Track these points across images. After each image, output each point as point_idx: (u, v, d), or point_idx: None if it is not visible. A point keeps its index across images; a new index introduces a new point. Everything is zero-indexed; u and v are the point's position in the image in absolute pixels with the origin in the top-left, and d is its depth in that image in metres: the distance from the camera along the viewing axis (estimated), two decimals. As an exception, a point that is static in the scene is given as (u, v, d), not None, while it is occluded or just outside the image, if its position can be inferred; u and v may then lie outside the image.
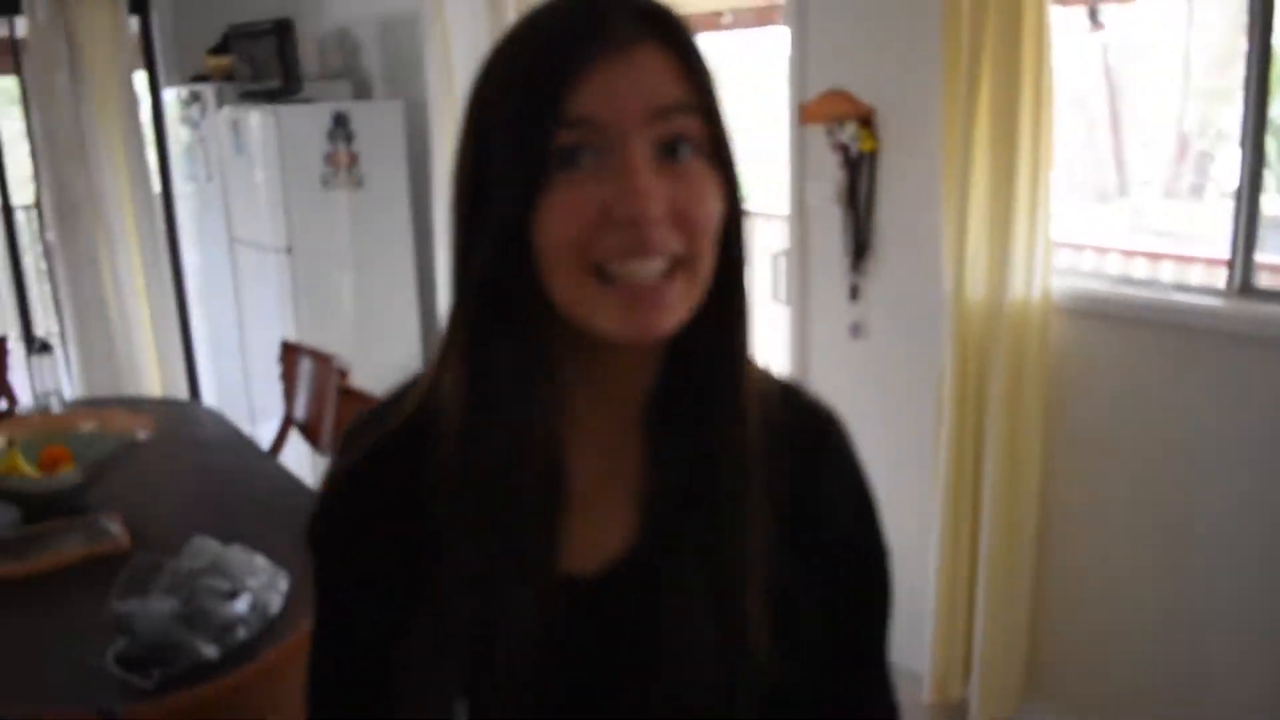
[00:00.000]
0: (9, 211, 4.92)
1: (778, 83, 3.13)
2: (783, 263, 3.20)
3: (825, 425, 0.91)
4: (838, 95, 2.86)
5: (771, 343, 5.29)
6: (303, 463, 3.22)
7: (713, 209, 0.74)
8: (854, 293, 2.96)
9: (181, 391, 5.21)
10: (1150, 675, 2.54)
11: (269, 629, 1.80)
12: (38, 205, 5.17)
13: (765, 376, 0.87)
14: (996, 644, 2.65)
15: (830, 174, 2.93)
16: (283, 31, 4.26)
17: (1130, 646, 2.57)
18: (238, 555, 1.89)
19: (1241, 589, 2.37)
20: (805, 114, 2.96)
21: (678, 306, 0.73)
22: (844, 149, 2.84)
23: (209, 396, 5.45)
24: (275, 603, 1.85)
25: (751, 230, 0.81)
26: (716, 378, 0.79)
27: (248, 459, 2.76)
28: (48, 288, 5.44)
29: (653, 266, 0.71)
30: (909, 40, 2.70)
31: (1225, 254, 2.37)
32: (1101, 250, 4.41)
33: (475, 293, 0.76)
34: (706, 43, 0.76)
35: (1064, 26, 4.59)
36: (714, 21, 5.38)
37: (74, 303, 4.88)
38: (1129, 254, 4.66)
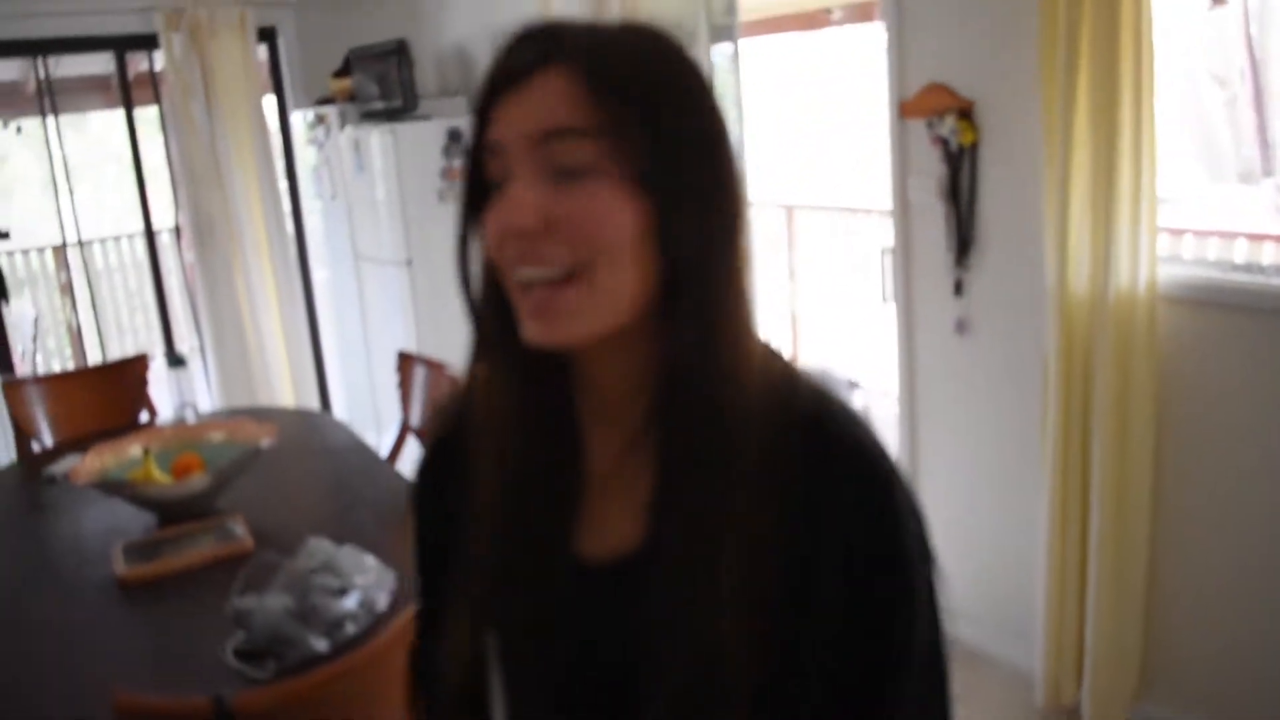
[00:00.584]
0: (152, 234, 5.21)
1: (879, 78, 3.11)
2: (888, 260, 3.18)
3: (832, 439, 0.80)
4: (937, 89, 2.83)
5: (880, 341, 5.28)
6: (420, 467, 3.34)
7: (607, 224, 0.75)
8: (958, 288, 2.92)
9: (313, 402, 5.44)
10: (1268, 675, 2.44)
11: (376, 624, 1.89)
12: (177, 227, 5.47)
13: (783, 378, 0.82)
14: (1109, 645, 2.58)
15: (931, 169, 2.90)
16: (400, 52, 4.42)
17: (1247, 645, 2.47)
18: (349, 555, 1.98)
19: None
20: (905, 109, 2.94)
21: (577, 314, 0.77)
22: (944, 143, 2.81)
23: (338, 406, 5.67)
24: (383, 600, 1.94)
25: (721, 239, 0.79)
26: (691, 388, 0.78)
27: (366, 465, 2.88)
28: (189, 306, 5.76)
29: (537, 274, 0.76)
30: (1006, 30, 2.66)
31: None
32: (1230, 235, 4.22)
33: (465, 298, 0.86)
34: (644, 61, 0.78)
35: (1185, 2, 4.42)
36: (823, 19, 5.37)
37: (212, 319, 5.14)
38: (1260, 238, 4.44)
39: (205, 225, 5.02)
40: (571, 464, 0.85)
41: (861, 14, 4.50)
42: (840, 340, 5.89)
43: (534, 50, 0.76)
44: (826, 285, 5.91)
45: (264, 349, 5.23)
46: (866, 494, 0.78)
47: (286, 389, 5.31)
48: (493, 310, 0.84)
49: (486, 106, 0.78)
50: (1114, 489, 2.49)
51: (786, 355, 0.85)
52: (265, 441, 2.60)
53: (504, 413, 0.85)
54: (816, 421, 0.79)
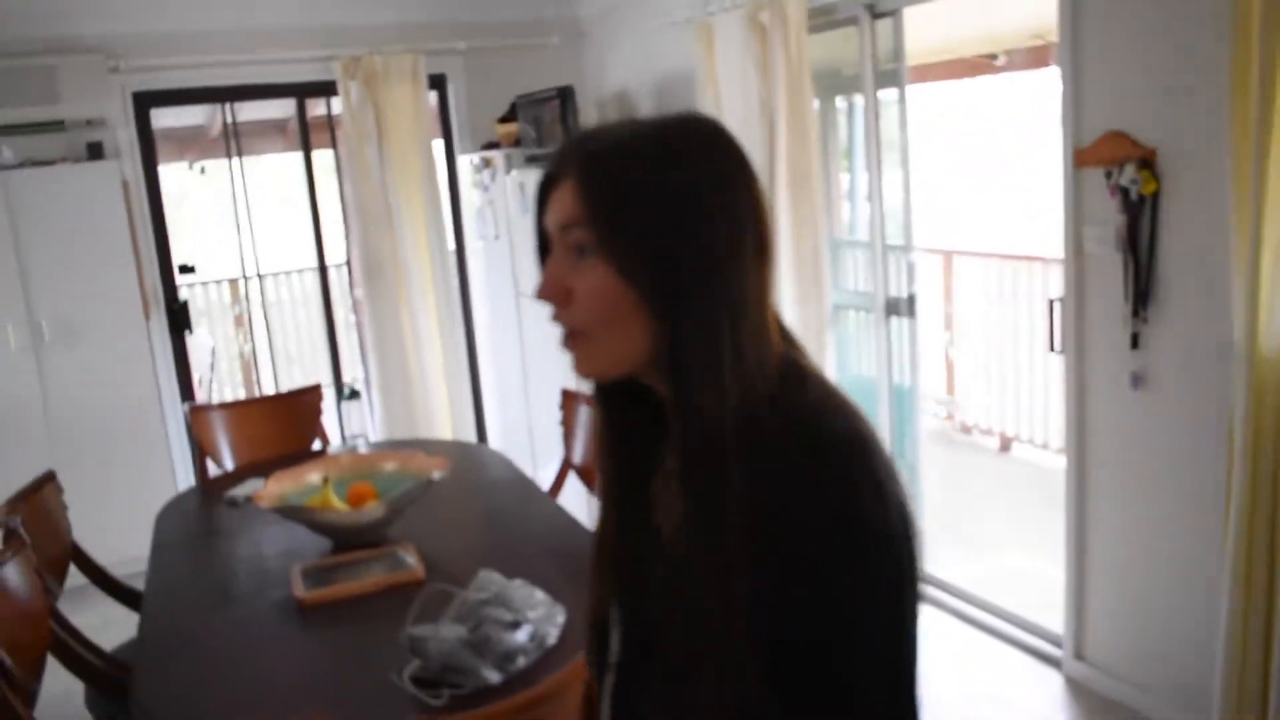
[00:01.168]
0: (324, 270, 5.46)
1: (1051, 125, 3.05)
2: (1058, 310, 3.10)
3: (819, 470, 0.90)
4: (1116, 137, 2.76)
5: (1049, 392, 5.13)
6: (579, 503, 3.39)
7: (600, 298, 0.95)
8: (1135, 341, 2.83)
9: (470, 435, 5.59)
10: None
11: (546, 658, 1.92)
12: (348, 264, 5.72)
13: (783, 413, 0.93)
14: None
15: (1108, 218, 2.82)
16: (564, 97, 4.55)
17: None
18: (520, 589, 2.03)
19: None
20: (1081, 157, 2.87)
21: (585, 362, 0.99)
22: (1123, 192, 2.73)
23: (494, 440, 5.81)
24: (553, 634, 1.97)
25: (707, 303, 0.94)
26: (680, 426, 0.94)
27: (530, 499, 2.94)
28: (355, 339, 6.01)
29: (561, 329, 0.99)
30: (1191, 77, 2.57)
31: None
32: None
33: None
34: (622, 170, 0.96)
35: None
36: (987, 65, 5.29)
37: (378, 352, 5.35)
38: None
39: (374, 263, 5.24)
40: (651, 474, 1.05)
41: (1034, 60, 4.42)
42: (998, 389, 5.75)
43: (561, 160, 0.99)
44: (986, 334, 5.78)
45: (426, 382, 5.41)
46: (813, 467, 0.89)
47: (445, 422, 5.48)
48: None
49: (541, 201, 1.01)
50: (1306, 557, 2.36)
51: (805, 373, 0.99)
52: (437, 473, 2.69)
53: (601, 436, 1.10)
54: (793, 422, 0.92)
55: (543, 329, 4.71)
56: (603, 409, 1.08)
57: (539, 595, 2.04)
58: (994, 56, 5.11)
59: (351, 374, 6.12)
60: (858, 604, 0.89)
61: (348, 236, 5.54)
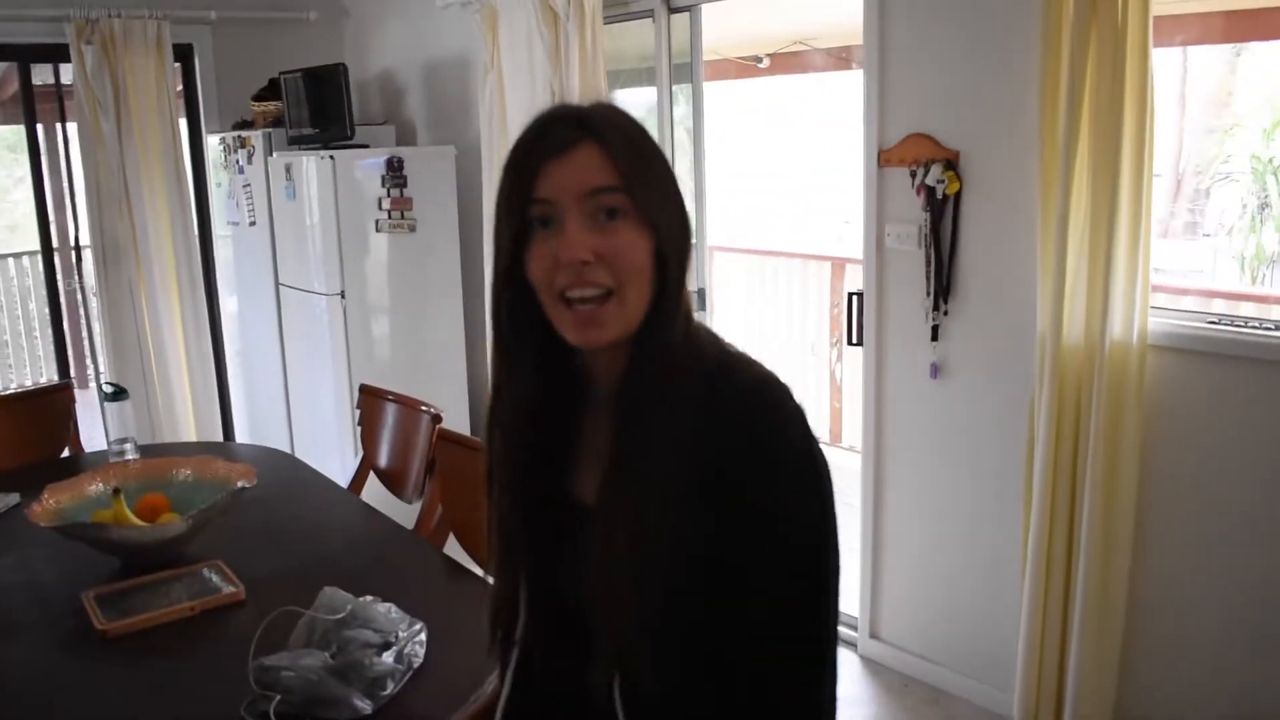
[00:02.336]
0: (50, 254, 4.90)
1: (854, 125, 3.15)
2: (857, 304, 3.21)
3: (753, 406, 1.04)
4: (920, 138, 2.88)
5: (848, 382, 5.31)
6: (383, 505, 3.19)
7: (635, 256, 1.04)
8: (935, 333, 2.97)
9: (215, 434, 5.19)
10: (1247, 715, 2.53)
11: (415, 680, 1.78)
12: (75, 248, 5.17)
13: (718, 356, 1.09)
14: (1089, 684, 2.64)
15: (911, 216, 2.95)
16: (337, 77, 4.28)
17: (1225, 692, 2.56)
18: (375, 606, 1.87)
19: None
20: (886, 157, 2.99)
21: (610, 324, 1.05)
22: (929, 191, 2.86)
23: (242, 438, 5.42)
24: (419, 654, 1.83)
25: (691, 262, 1.13)
26: (649, 369, 1.06)
27: (339, 504, 2.74)
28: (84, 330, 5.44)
29: (588, 294, 1.04)
30: (997, 83, 2.73)
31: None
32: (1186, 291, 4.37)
33: (494, 313, 1.14)
34: (643, 134, 1.09)
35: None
36: (752, 67, 5.44)
37: (113, 346, 4.86)
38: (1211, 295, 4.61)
39: (110, 248, 4.75)
40: (571, 441, 1.16)
41: (838, 63, 4.57)
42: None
43: (570, 130, 1.04)
44: (766, 328, 5.93)
45: (168, 379, 4.97)
46: (747, 417, 1.03)
47: (188, 422, 5.06)
48: (514, 325, 1.13)
49: (534, 170, 1.04)
50: (1100, 533, 2.55)
51: (718, 335, 1.14)
52: (242, 482, 2.45)
53: (523, 403, 1.14)
54: (722, 372, 1.07)
55: (311, 321, 4.43)
56: (542, 380, 1.14)
57: (396, 612, 1.89)
58: (758, 59, 5.26)
59: (75, 369, 5.53)
60: (795, 524, 1.03)
61: (74, 218, 5.00)
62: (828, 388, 5.67)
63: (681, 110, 3.83)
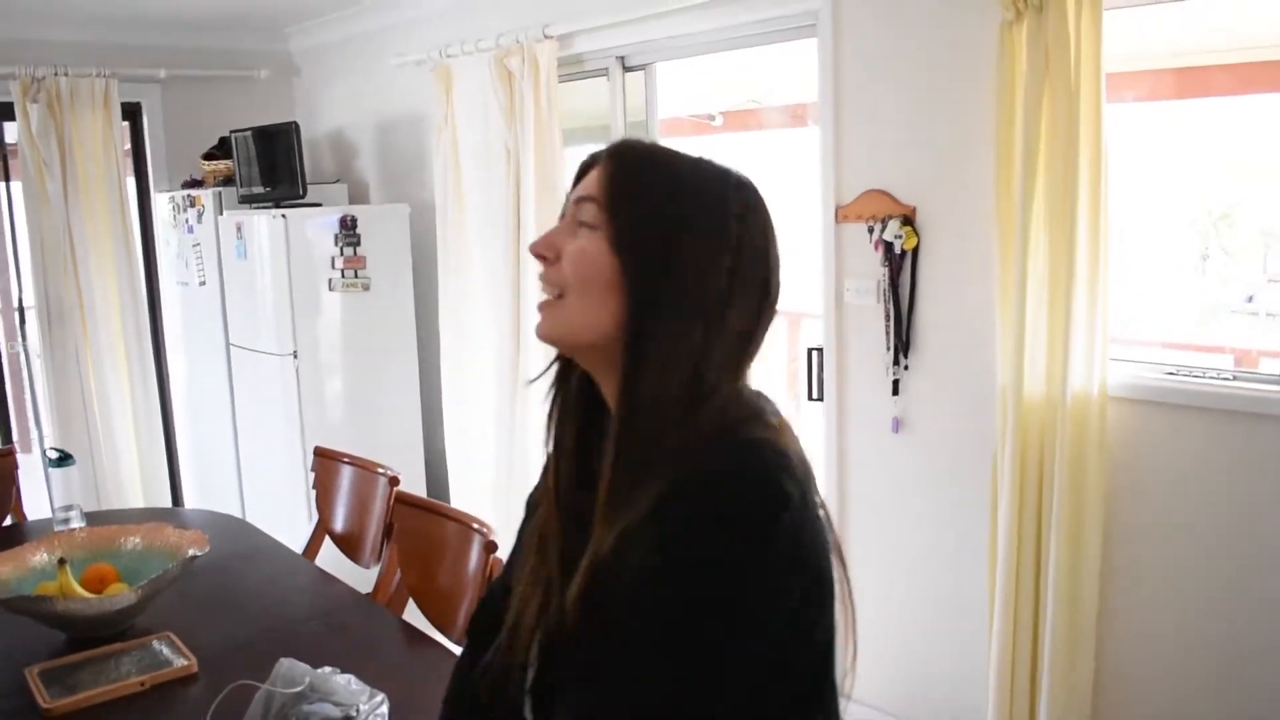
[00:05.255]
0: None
1: (810, 182, 3.17)
2: (816, 359, 3.21)
3: (699, 485, 0.96)
4: (878, 194, 2.91)
5: (810, 438, 5.30)
6: (339, 571, 3.12)
7: (584, 265, 1.04)
8: (895, 388, 2.98)
9: (164, 500, 5.06)
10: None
11: (379, 756, 1.72)
12: (20, 308, 5.05)
13: (723, 429, 1.00)
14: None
15: (870, 271, 2.97)
16: (289, 136, 4.25)
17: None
18: (334, 678, 1.80)
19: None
20: (843, 213, 3.00)
21: (547, 322, 1.07)
22: (887, 246, 2.88)
23: (191, 503, 5.29)
24: (383, 727, 1.76)
25: (672, 306, 1.02)
26: (618, 413, 1.03)
27: (295, 571, 2.66)
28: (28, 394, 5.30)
29: (543, 292, 1.08)
30: (952, 138, 2.76)
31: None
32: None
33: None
34: (656, 167, 1.07)
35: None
36: (706, 125, 5.48)
37: (58, 409, 4.74)
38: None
39: (56, 309, 4.65)
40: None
41: (793, 120, 4.61)
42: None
43: (596, 158, 1.09)
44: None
45: (114, 443, 4.84)
46: (667, 499, 0.95)
47: (135, 487, 4.93)
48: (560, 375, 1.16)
49: (575, 184, 1.10)
50: (1067, 583, 2.55)
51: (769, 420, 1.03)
52: (194, 549, 2.37)
53: (569, 420, 1.16)
54: (727, 439, 0.99)
55: (263, 381, 4.36)
56: (576, 418, 1.14)
57: (356, 683, 1.83)
58: (712, 117, 5.31)
59: (19, 434, 5.37)
60: (758, 611, 0.94)
61: (18, 278, 4.89)
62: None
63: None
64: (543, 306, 1.08)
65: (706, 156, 1.10)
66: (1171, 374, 2.54)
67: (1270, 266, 3.71)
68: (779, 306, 1.09)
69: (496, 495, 4.09)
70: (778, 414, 1.05)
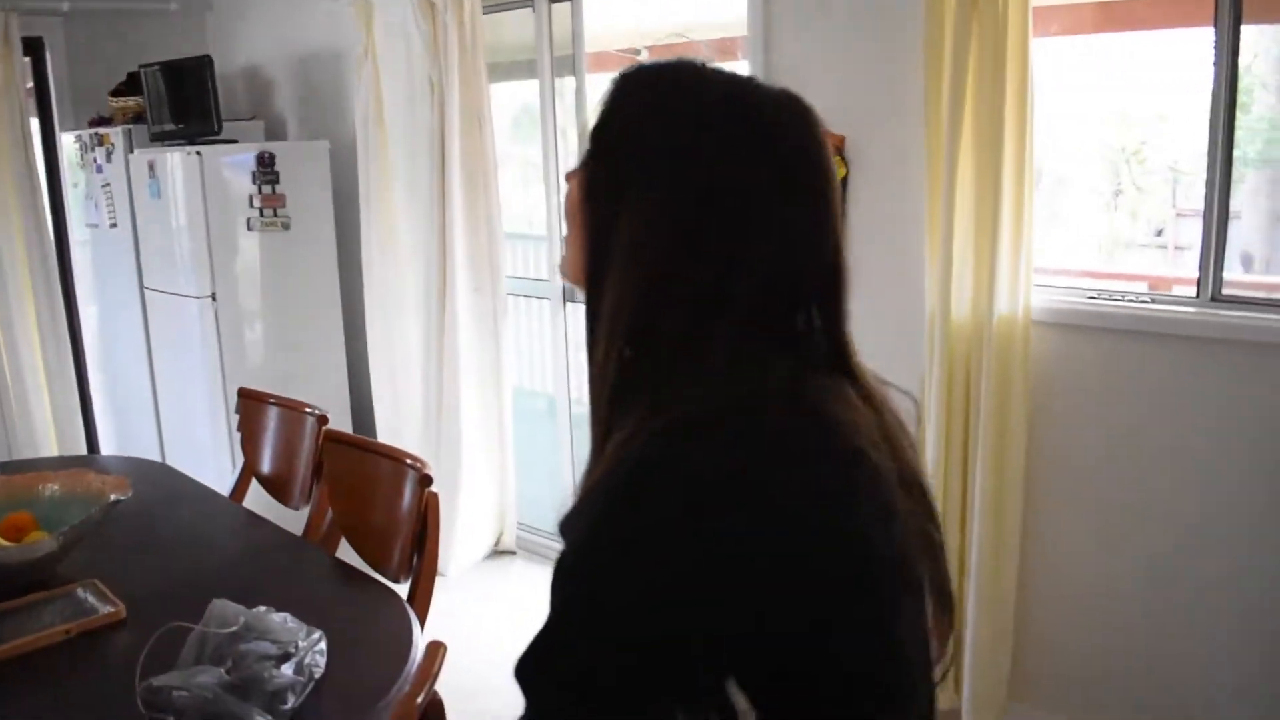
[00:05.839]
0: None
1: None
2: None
3: (618, 469, 0.84)
4: (806, 125, 2.89)
5: None
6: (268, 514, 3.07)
7: (566, 198, 0.98)
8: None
9: (80, 447, 4.93)
10: (1133, 676, 2.62)
11: (317, 692, 1.70)
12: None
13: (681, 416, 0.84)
14: (985, 652, 2.70)
15: (799, 202, 2.96)
16: (202, 71, 4.10)
17: (1114, 649, 2.65)
18: (270, 617, 1.78)
19: (1224, 589, 2.47)
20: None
21: (563, 260, 1.00)
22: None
23: (107, 449, 5.16)
24: (320, 664, 1.74)
25: (623, 249, 0.90)
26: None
27: (221, 514, 2.62)
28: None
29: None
30: (882, 69, 2.76)
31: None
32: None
33: None
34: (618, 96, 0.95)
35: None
36: (631, 60, 5.41)
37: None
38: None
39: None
40: None
41: (721, 54, 4.56)
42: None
43: None
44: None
45: (25, 392, 4.69)
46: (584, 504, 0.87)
47: (49, 435, 4.79)
48: None
49: None
50: (993, 503, 2.61)
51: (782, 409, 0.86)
52: (115, 495, 2.30)
53: None
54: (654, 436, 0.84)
55: (180, 324, 4.24)
56: None
57: (293, 621, 1.80)
58: (637, 51, 5.23)
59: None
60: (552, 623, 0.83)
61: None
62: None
63: (566, 104, 3.78)
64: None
65: (756, 84, 0.94)
66: (1093, 298, 2.60)
67: (1179, 201, 3.79)
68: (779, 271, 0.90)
69: (425, 433, 4.05)
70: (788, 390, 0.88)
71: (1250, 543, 2.42)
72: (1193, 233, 2.55)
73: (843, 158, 2.84)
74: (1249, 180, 2.98)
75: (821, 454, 0.84)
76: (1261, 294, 2.53)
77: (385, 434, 4.27)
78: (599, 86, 4.70)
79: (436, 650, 1.74)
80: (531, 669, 0.82)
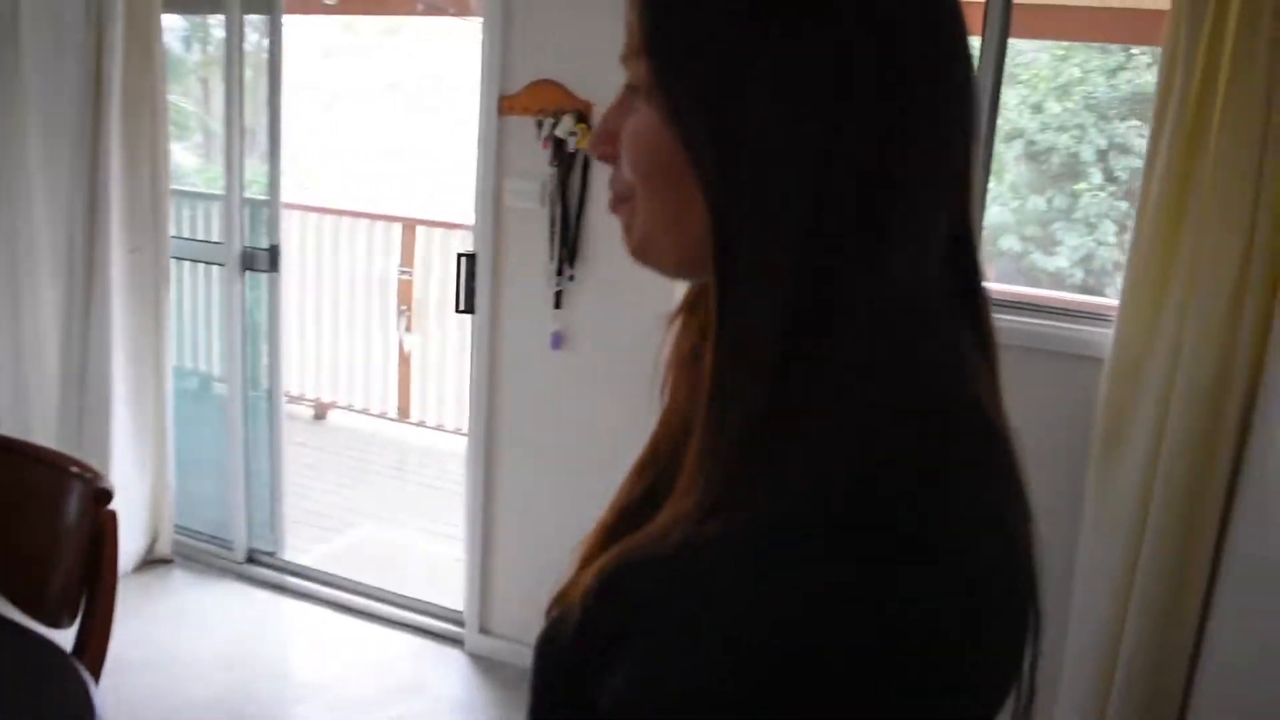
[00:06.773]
0: None
1: (449, 77, 2.82)
2: (466, 266, 2.90)
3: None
4: (548, 85, 2.62)
5: (456, 355, 4.89)
6: None
7: (637, 147, 0.67)
8: (559, 300, 2.74)
9: None
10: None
11: None
12: None
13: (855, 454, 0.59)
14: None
15: (535, 171, 2.69)
16: None
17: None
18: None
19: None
20: (507, 105, 2.69)
21: (628, 232, 0.72)
22: (558, 144, 2.61)
23: None
24: None
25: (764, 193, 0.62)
26: (708, 368, 0.64)
27: None
28: None
29: (612, 196, 0.73)
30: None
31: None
32: None
33: None
34: None
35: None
36: (315, 3, 4.89)
37: None
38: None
39: None
40: None
41: (455, 6, 4.14)
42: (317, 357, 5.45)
43: None
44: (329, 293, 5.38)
45: None
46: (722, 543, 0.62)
47: None
48: None
49: None
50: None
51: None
52: None
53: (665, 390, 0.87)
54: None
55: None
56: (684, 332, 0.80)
57: None
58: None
59: None
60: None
61: None
62: (396, 358, 5.32)
63: (254, 44, 3.28)
64: (614, 209, 0.73)
65: None
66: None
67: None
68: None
69: (63, 421, 3.40)
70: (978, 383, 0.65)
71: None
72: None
73: (588, 125, 2.59)
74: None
75: (1014, 516, 0.63)
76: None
77: (8, 424, 3.55)
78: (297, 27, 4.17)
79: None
80: None
